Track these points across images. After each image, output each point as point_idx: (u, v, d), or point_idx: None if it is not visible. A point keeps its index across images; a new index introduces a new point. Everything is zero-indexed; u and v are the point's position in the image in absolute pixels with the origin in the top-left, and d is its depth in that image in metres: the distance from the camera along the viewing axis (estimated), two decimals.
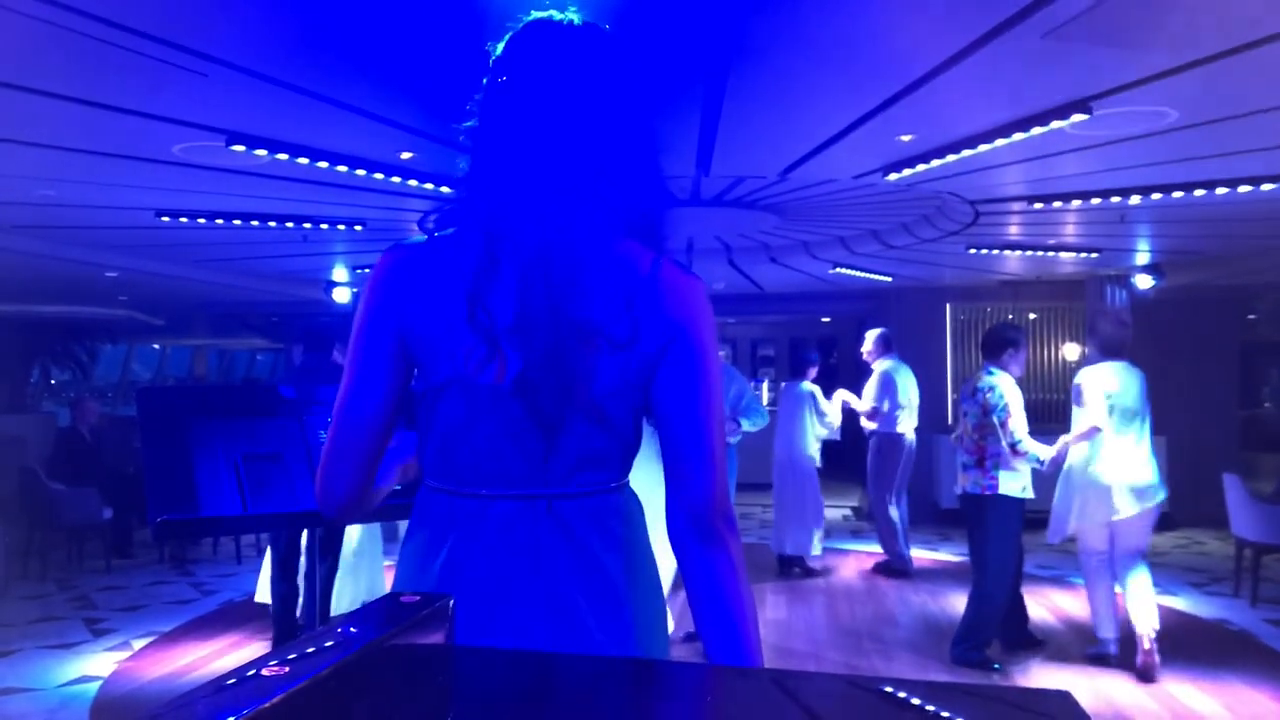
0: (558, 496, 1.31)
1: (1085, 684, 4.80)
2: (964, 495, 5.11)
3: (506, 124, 1.33)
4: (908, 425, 7.42)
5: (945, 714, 0.80)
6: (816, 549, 7.46)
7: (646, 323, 1.29)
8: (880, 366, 7.45)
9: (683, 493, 1.33)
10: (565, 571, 1.30)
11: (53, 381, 13.99)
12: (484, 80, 1.37)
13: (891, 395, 7.32)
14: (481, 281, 1.29)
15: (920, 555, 8.35)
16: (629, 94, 1.36)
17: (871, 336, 7.62)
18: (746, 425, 6.32)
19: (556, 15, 1.36)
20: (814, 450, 7.38)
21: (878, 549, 7.70)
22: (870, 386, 7.42)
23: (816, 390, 7.36)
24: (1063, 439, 5.06)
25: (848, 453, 7.75)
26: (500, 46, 1.37)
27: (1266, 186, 5.05)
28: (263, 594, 5.56)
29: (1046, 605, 6.35)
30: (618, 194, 1.33)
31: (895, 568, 7.43)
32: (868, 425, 7.49)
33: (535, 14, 1.37)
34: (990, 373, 5.10)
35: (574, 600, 1.29)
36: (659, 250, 1.36)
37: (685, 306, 1.32)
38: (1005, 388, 5.03)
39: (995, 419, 4.98)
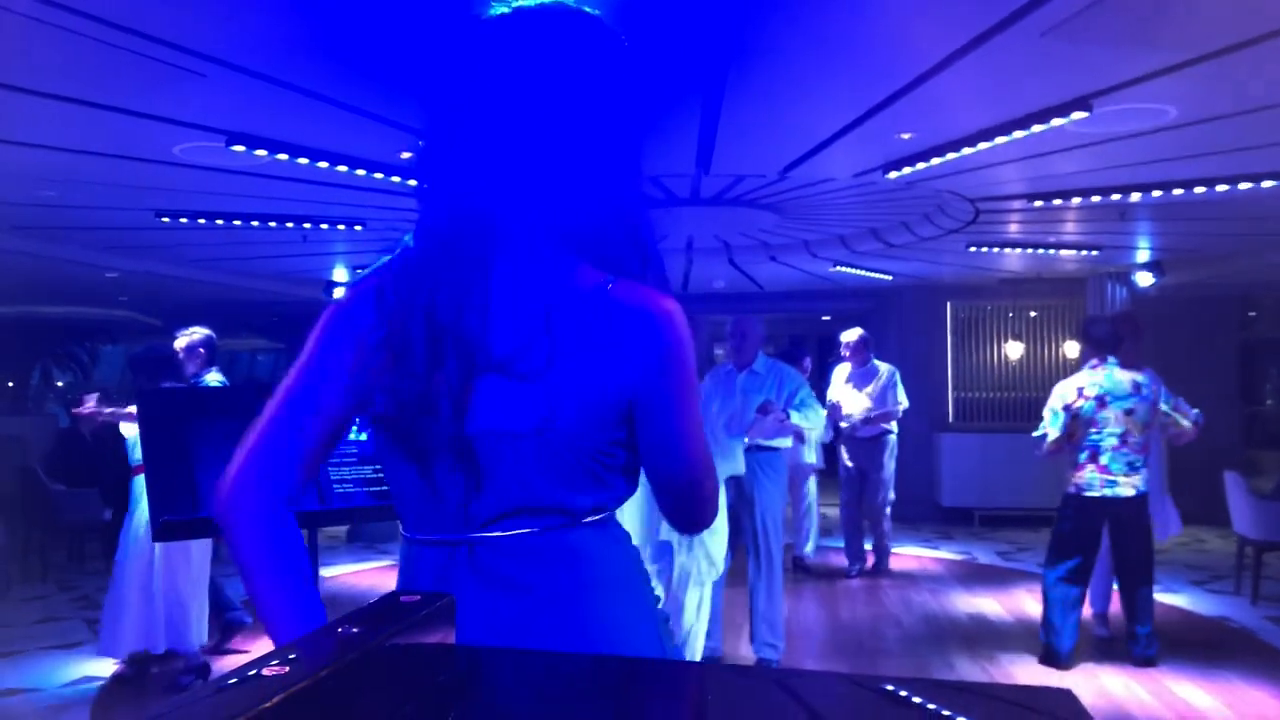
0: (479, 542, 1.19)
1: (1086, 682, 4.79)
2: (1139, 495, 4.89)
3: (450, 119, 1.22)
4: (893, 425, 7.51)
5: (947, 712, 0.80)
6: (810, 546, 7.57)
7: (582, 352, 1.15)
8: (884, 368, 7.48)
9: (672, 522, 1.35)
10: (486, 620, 1.16)
11: (60, 384, 13.98)
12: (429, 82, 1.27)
13: (894, 397, 7.36)
14: (382, 303, 1.20)
15: (921, 554, 8.35)
16: (596, 85, 1.18)
17: (854, 336, 7.58)
18: (796, 419, 5.50)
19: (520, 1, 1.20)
20: (810, 450, 7.43)
21: (882, 547, 7.70)
22: (877, 387, 7.43)
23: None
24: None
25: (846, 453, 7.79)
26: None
27: (1267, 184, 5.05)
28: None
29: None
30: (566, 202, 1.18)
31: (880, 566, 7.47)
32: (854, 420, 7.49)
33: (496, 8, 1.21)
34: (1125, 368, 4.97)
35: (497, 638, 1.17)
36: (622, 273, 1.19)
37: (644, 336, 1.16)
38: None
39: (1167, 406, 4.97)
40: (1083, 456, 4.92)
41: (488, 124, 1.18)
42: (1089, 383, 4.93)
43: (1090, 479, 4.91)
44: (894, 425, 7.48)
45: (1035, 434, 5.08)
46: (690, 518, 1.33)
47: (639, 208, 1.25)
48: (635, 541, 1.32)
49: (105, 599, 4.89)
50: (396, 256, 1.26)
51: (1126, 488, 4.86)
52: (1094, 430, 4.88)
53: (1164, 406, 4.95)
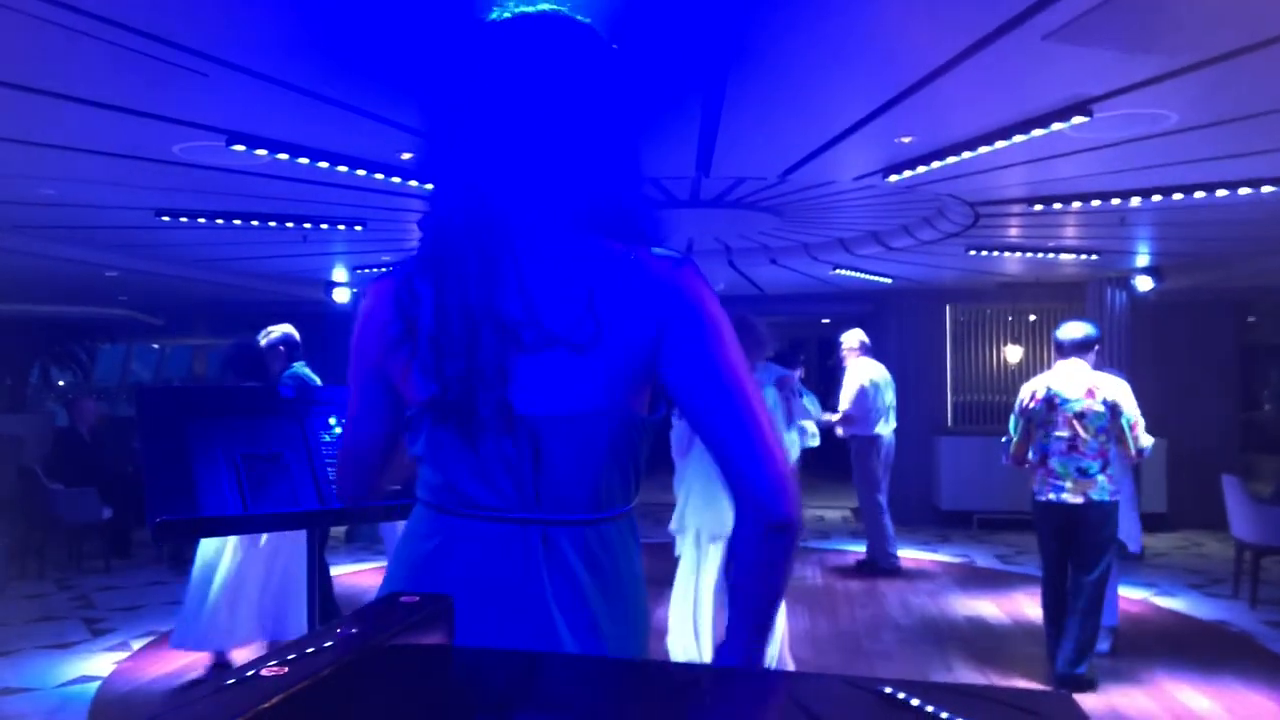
0: (552, 524, 1.22)
1: None
2: (1089, 503, 4.62)
3: (456, 118, 1.27)
4: (885, 427, 7.49)
5: (945, 715, 0.80)
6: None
7: (618, 321, 1.19)
8: (858, 367, 7.47)
9: (742, 486, 1.20)
10: (550, 601, 1.21)
11: (60, 384, 13.98)
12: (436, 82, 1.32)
13: (864, 401, 7.36)
14: (411, 292, 1.25)
15: (920, 556, 8.35)
16: (593, 84, 1.26)
17: (854, 338, 7.61)
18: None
19: (520, 8, 1.28)
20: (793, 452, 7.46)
21: (876, 549, 7.71)
22: (848, 389, 7.45)
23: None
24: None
25: (844, 455, 7.79)
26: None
27: (1267, 189, 5.05)
28: None
29: None
30: (575, 186, 1.25)
31: (883, 567, 7.48)
32: (837, 427, 7.51)
33: (498, 12, 1.29)
34: (1089, 368, 4.76)
35: (555, 627, 1.21)
36: (635, 242, 1.26)
37: (671, 294, 1.21)
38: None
39: (1125, 422, 4.61)
40: (1036, 459, 4.79)
41: (498, 119, 1.25)
42: (1041, 384, 4.80)
43: (1040, 483, 4.78)
44: (884, 430, 7.48)
45: (1003, 439, 4.97)
46: (771, 480, 1.19)
47: (641, 184, 1.32)
48: None
49: (205, 594, 4.76)
50: (411, 258, 1.31)
51: (1075, 494, 4.64)
52: (1042, 433, 4.74)
53: (1123, 420, 4.62)
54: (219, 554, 4.75)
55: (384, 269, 1.38)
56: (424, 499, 1.32)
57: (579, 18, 1.30)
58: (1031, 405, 4.79)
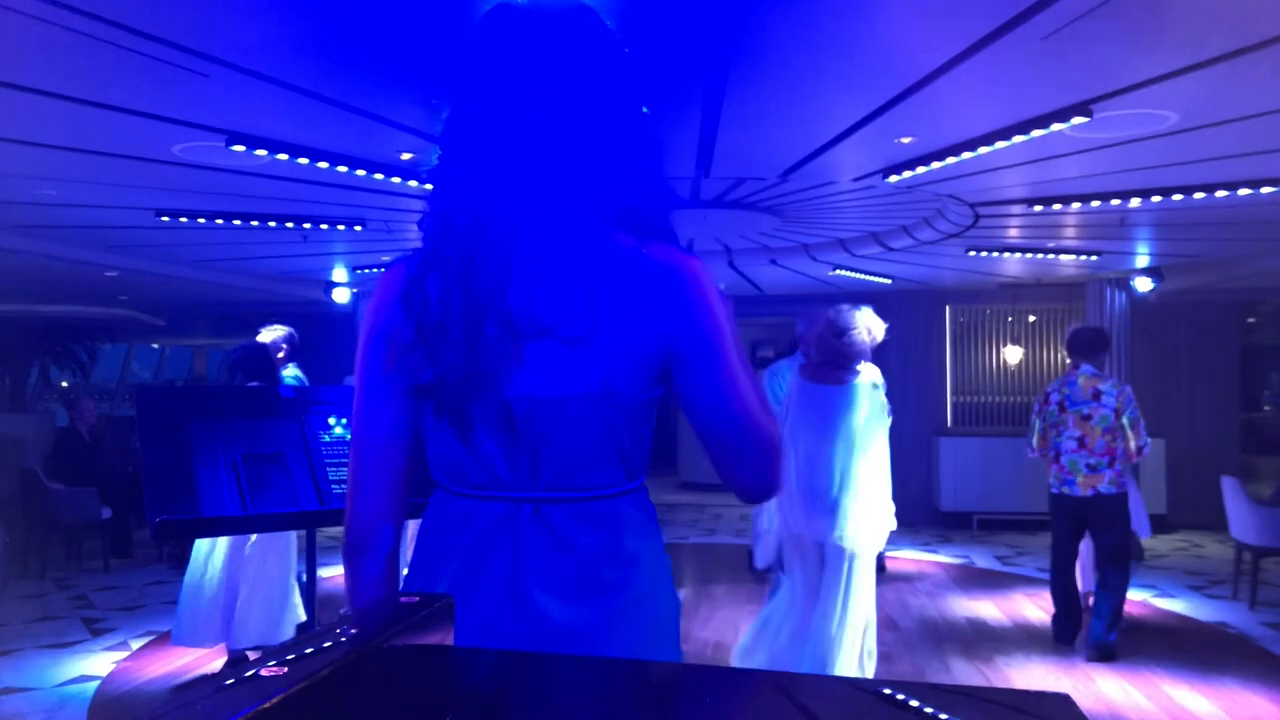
0: (545, 500, 1.25)
1: (1083, 686, 4.80)
2: (1099, 496, 5.19)
3: (464, 115, 1.28)
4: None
5: (944, 716, 0.80)
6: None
7: (623, 314, 1.21)
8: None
9: (737, 486, 1.30)
10: (546, 577, 1.24)
11: (65, 385, 13.98)
12: (450, 74, 1.32)
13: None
14: (417, 281, 1.26)
15: (920, 557, 8.36)
16: (603, 76, 1.27)
17: None
18: None
19: None
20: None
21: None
22: None
23: None
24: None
25: None
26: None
27: (1266, 190, 5.05)
28: None
29: (1044, 606, 6.35)
30: (586, 181, 1.25)
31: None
32: None
33: None
34: (1099, 374, 5.33)
35: (545, 607, 1.23)
36: (648, 236, 1.28)
37: (679, 292, 1.24)
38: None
39: (1127, 420, 5.18)
40: (1051, 455, 5.38)
41: (512, 109, 1.24)
42: (1055, 389, 5.42)
43: (1055, 477, 5.37)
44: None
45: (1027, 434, 5.58)
46: (756, 475, 1.30)
47: (661, 177, 1.34)
48: None
49: (201, 588, 4.79)
50: (415, 252, 1.32)
51: (1085, 488, 5.22)
52: (1055, 433, 5.34)
53: (1124, 420, 5.19)
54: (214, 549, 4.77)
55: (390, 263, 1.35)
56: (436, 480, 1.36)
57: (587, 4, 1.30)
58: (1045, 407, 5.43)
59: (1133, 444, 5.17)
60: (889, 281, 9.55)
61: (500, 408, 1.22)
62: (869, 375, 4.26)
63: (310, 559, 2.94)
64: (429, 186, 1.35)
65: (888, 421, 4.29)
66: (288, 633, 4.75)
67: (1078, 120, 3.88)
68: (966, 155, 4.52)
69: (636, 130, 1.30)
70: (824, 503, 4.07)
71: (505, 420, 1.23)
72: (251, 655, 4.84)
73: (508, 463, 1.25)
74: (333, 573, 7.40)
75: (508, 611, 1.23)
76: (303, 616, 4.75)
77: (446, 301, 1.23)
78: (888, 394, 4.35)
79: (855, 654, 4.11)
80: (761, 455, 1.28)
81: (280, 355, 5.18)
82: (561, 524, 1.25)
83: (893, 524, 4.27)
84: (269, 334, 5.18)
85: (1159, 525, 8.99)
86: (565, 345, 1.20)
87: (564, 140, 1.24)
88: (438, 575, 1.29)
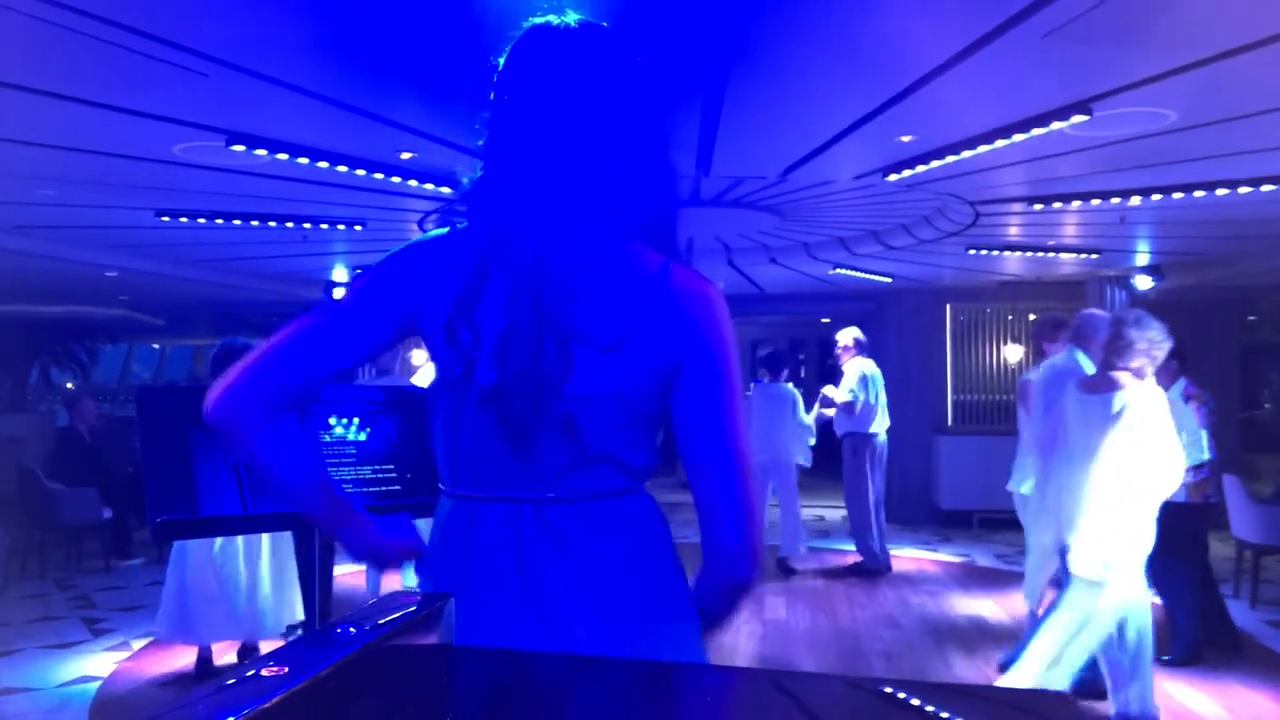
0: (549, 501, 1.27)
1: None
2: (1187, 504, 5.02)
3: (508, 132, 1.33)
4: (880, 425, 7.49)
5: (945, 715, 0.80)
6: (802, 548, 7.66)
7: (647, 327, 1.26)
8: (856, 364, 7.48)
9: (718, 541, 1.29)
10: (551, 578, 1.26)
11: (69, 386, 13.98)
12: (490, 94, 1.36)
13: (867, 393, 7.38)
14: (470, 292, 1.29)
15: (920, 556, 8.36)
16: (632, 93, 1.33)
17: (849, 335, 7.62)
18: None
19: (555, 19, 1.34)
20: (800, 451, 7.48)
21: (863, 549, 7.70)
22: (848, 382, 7.46)
23: (798, 395, 7.58)
24: None
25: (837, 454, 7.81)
26: (502, 59, 1.35)
27: (1267, 187, 5.05)
28: None
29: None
30: (622, 196, 1.31)
31: (869, 567, 7.48)
32: (827, 413, 7.54)
33: (533, 20, 1.35)
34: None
35: (560, 608, 1.25)
36: (671, 254, 1.34)
37: (696, 313, 1.29)
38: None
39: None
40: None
41: (566, 132, 1.30)
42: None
43: None
44: (879, 428, 7.49)
45: None
46: (747, 547, 1.29)
47: (678, 199, 1.43)
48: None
49: (191, 587, 4.82)
50: (446, 243, 1.35)
51: None
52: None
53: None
54: (199, 547, 4.79)
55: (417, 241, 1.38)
56: (442, 487, 1.38)
57: (603, 24, 1.36)
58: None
59: None
60: (889, 280, 9.55)
61: (559, 410, 1.26)
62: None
63: (326, 560, 2.93)
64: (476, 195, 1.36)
65: None
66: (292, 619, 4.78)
67: (1077, 118, 3.88)
68: (966, 154, 4.52)
69: (664, 148, 1.37)
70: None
71: (564, 423, 1.26)
72: (264, 646, 4.86)
73: (516, 461, 1.27)
74: (337, 571, 7.40)
75: (527, 615, 1.26)
76: (300, 616, 4.75)
77: (515, 310, 1.26)
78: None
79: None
80: (743, 505, 1.29)
81: None
82: (562, 527, 1.27)
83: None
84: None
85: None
86: (594, 351, 1.26)
87: (609, 159, 1.31)
88: (442, 583, 1.32)
